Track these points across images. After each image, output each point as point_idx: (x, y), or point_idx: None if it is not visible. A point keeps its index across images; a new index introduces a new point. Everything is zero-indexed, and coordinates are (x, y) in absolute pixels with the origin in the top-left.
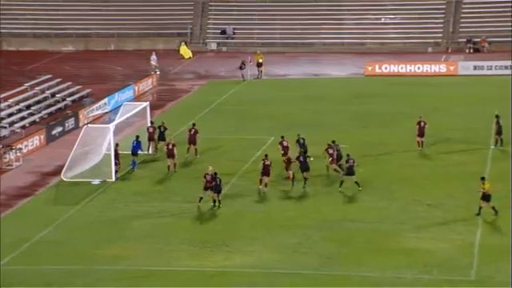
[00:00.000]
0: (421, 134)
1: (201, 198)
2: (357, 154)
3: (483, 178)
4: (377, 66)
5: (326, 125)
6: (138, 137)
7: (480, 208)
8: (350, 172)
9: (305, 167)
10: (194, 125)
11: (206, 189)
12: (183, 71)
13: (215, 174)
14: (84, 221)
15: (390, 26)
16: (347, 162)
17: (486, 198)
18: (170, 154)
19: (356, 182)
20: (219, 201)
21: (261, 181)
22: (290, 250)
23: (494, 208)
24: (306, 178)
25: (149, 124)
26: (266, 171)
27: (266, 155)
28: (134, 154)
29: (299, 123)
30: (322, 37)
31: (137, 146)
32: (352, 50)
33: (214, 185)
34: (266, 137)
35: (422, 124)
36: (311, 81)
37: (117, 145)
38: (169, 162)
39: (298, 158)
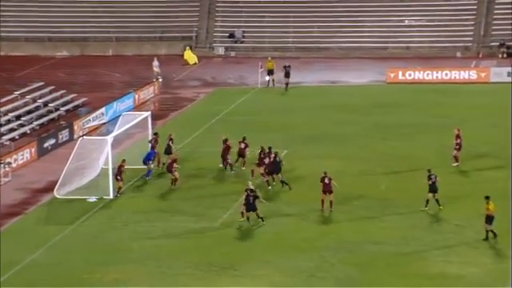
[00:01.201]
0: (459, 147)
1: (242, 214)
2: (377, 169)
3: (488, 198)
4: (400, 73)
5: (343, 137)
6: (153, 146)
7: (487, 232)
8: (433, 189)
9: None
10: (226, 140)
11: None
12: (188, 78)
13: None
14: (79, 242)
15: (415, 28)
16: (429, 178)
17: (488, 219)
18: (168, 170)
19: (436, 200)
20: (261, 218)
21: (242, 214)
22: (306, 275)
23: (492, 231)
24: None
25: (150, 136)
26: (250, 204)
27: (251, 189)
28: (146, 163)
29: (315, 135)
30: (340, 40)
31: (150, 154)
32: (373, 55)
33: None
34: (279, 150)
35: (459, 137)
36: (328, 89)
37: (123, 161)
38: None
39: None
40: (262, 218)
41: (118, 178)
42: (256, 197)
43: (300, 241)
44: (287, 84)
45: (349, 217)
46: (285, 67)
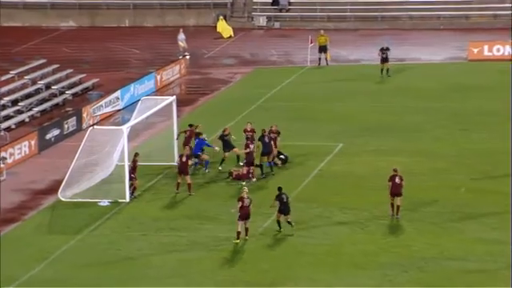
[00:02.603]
0: None
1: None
2: (455, 168)
3: None
4: (485, 48)
5: (413, 128)
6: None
7: None
8: None
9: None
10: (191, 126)
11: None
12: (221, 55)
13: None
14: (88, 255)
15: None
16: None
17: None
18: (182, 170)
19: None
20: (289, 222)
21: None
22: None
23: None
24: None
25: (176, 126)
26: (245, 215)
27: (245, 198)
28: (196, 155)
29: (377, 126)
30: (410, 8)
31: (201, 143)
32: (451, 26)
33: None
34: (332, 143)
35: None
36: (394, 68)
37: (136, 155)
38: (179, 180)
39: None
40: (290, 222)
41: (132, 176)
42: (288, 197)
43: (358, 255)
44: (387, 70)
45: (419, 226)
46: (382, 51)
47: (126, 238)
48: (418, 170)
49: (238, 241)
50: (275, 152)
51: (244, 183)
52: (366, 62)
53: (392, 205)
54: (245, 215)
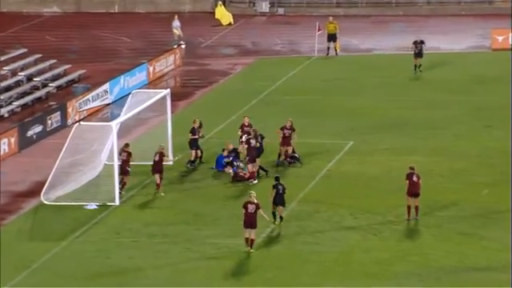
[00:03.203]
0: None
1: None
2: (477, 168)
3: None
4: (511, 36)
5: (431, 124)
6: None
7: None
8: None
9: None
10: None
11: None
12: (220, 44)
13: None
14: (74, 264)
15: None
16: None
17: None
18: (153, 169)
19: None
20: (280, 217)
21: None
22: None
23: None
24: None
25: (170, 121)
26: (249, 222)
27: (249, 204)
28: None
29: (391, 122)
30: None
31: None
32: (472, 12)
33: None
34: (341, 141)
35: None
36: (410, 58)
37: (126, 146)
38: (157, 180)
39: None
40: (282, 217)
41: (127, 169)
42: (284, 188)
43: (370, 264)
44: (420, 66)
45: (437, 232)
46: (416, 44)
47: (115, 245)
48: (437, 171)
49: (248, 248)
50: (290, 150)
51: (252, 183)
52: (379, 52)
53: (409, 207)
54: (248, 223)
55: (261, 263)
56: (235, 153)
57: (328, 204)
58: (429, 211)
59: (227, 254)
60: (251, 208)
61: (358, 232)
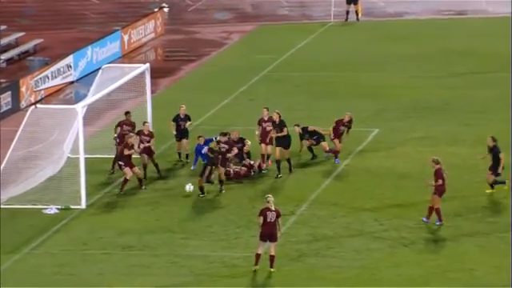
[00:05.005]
0: None
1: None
2: None
3: None
4: None
5: (475, 107)
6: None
7: None
8: None
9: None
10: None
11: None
12: (211, 6)
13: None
14: (29, 283)
15: None
16: None
17: None
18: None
19: None
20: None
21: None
22: None
23: None
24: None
25: (149, 101)
26: (269, 234)
27: (269, 211)
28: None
29: (424, 104)
30: None
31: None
32: None
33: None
34: (364, 129)
35: None
36: (449, 25)
37: (127, 114)
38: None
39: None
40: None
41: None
42: (222, 153)
43: (400, 282)
44: None
45: (484, 243)
46: None
47: (81, 259)
48: (483, 165)
49: (257, 266)
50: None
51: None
52: (411, 17)
53: (431, 208)
54: (267, 235)
55: (263, 281)
56: (229, 144)
57: (347, 207)
58: (474, 217)
59: (221, 270)
60: (271, 216)
61: (385, 242)
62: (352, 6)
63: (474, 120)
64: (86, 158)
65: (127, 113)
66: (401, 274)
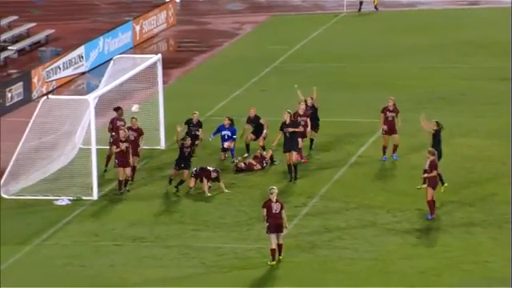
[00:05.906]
0: None
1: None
2: None
3: None
4: None
5: (491, 99)
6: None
7: None
8: None
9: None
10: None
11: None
12: None
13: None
14: (41, 272)
15: None
16: None
17: None
18: (123, 161)
19: None
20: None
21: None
22: None
23: None
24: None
25: (161, 93)
26: (276, 225)
27: (273, 203)
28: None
29: (439, 95)
30: None
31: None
32: None
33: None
34: (378, 120)
35: None
36: (462, 15)
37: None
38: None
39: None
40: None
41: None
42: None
43: (413, 274)
44: None
45: (498, 234)
46: None
47: (93, 250)
48: (497, 157)
49: (274, 262)
50: (397, 141)
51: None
52: (427, 7)
53: (429, 203)
54: (274, 226)
55: (276, 273)
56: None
57: (359, 199)
58: (487, 208)
59: (233, 262)
60: (275, 207)
61: (398, 234)
62: None
63: (489, 111)
64: (97, 149)
65: (118, 108)
66: (413, 265)
